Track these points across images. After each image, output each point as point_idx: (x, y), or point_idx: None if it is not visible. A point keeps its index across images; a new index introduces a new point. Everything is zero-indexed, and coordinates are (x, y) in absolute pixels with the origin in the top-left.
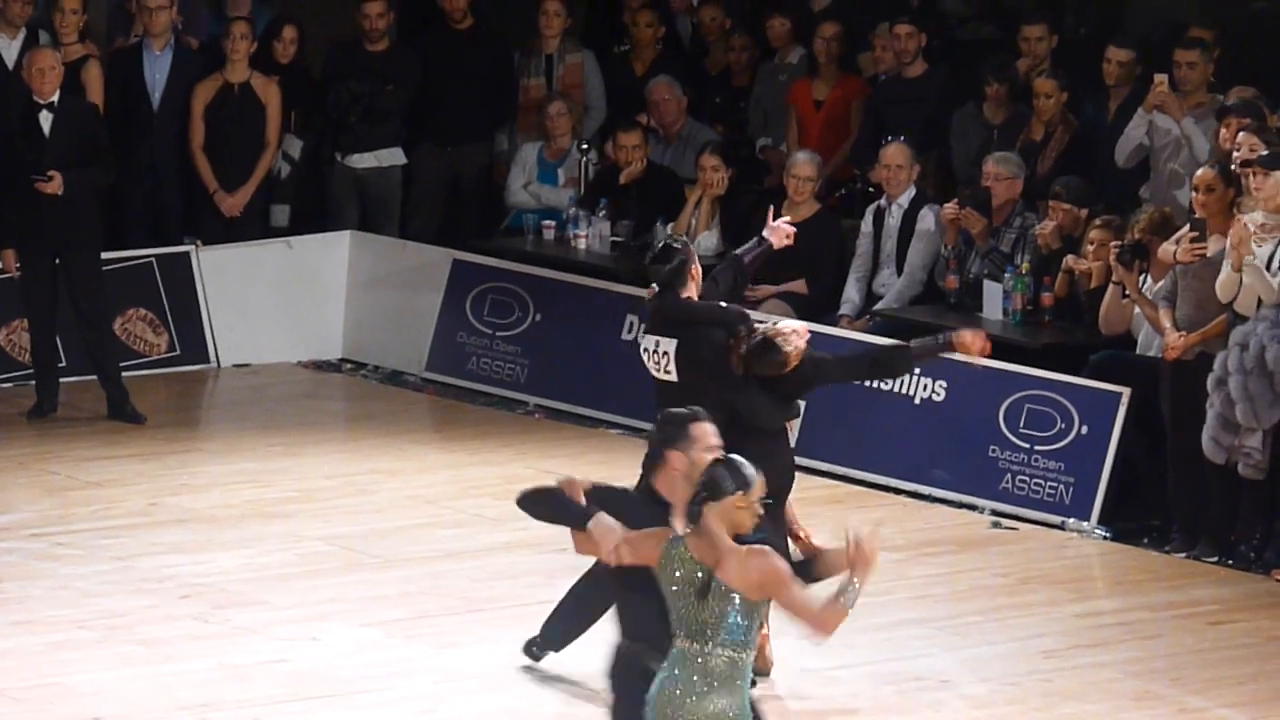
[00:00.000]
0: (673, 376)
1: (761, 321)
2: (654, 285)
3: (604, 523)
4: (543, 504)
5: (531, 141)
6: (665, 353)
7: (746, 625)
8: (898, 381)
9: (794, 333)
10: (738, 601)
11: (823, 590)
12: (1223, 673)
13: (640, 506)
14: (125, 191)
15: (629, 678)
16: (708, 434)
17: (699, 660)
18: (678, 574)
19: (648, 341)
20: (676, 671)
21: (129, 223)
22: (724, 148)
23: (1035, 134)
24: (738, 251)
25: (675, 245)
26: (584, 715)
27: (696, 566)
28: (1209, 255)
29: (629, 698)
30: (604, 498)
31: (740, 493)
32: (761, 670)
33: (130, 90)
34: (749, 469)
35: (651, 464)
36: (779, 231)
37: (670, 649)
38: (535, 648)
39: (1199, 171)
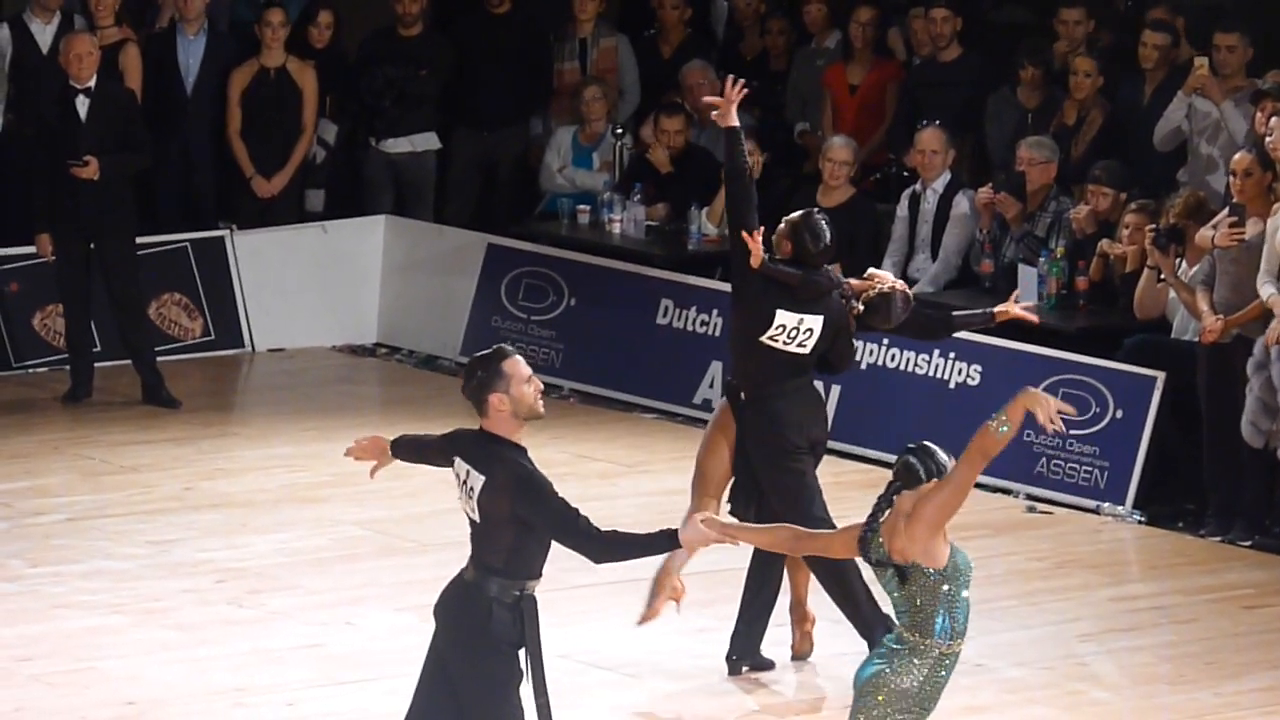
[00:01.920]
0: (805, 350)
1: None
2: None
3: (693, 527)
4: (623, 547)
5: (566, 126)
6: (810, 329)
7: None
8: (932, 365)
9: (894, 285)
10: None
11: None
12: (1258, 656)
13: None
14: (160, 176)
15: None
16: (519, 366)
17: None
18: (875, 561)
19: (788, 319)
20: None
21: (163, 207)
22: (757, 132)
23: (1069, 118)
24: (957, 313)
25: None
26: (619, 696)
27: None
28: (1247, 239)
29: None
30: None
31: (934, 480)
32: (801, 653)
33: (164, 75)
34: (941, 456)
35: (480, 411)
36: (1009, 314)
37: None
38: (734, 659)
39: (1237, 156)
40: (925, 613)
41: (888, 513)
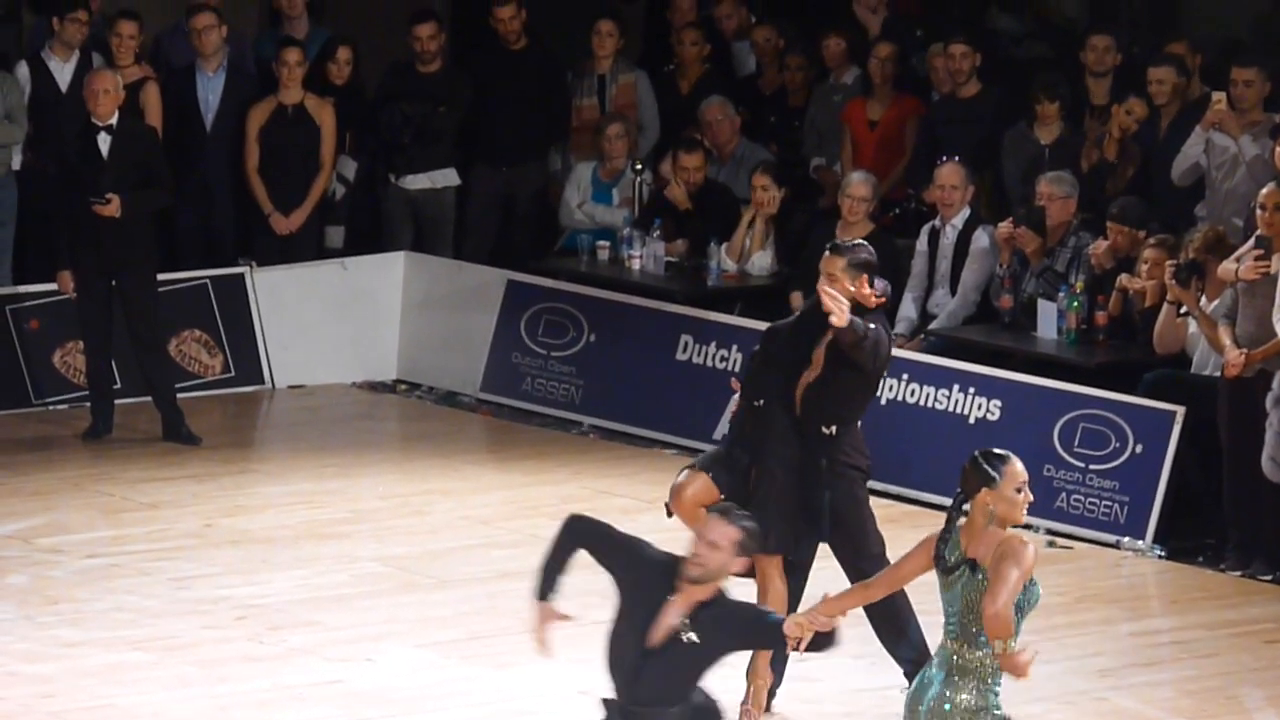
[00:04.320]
0: None
1: None
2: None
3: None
4: None
5: (585, 162)
6: None
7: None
8: (952, 401)
9: None
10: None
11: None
12: (1279, 690)
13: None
14: (179, 213)
15: None
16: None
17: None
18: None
19: None
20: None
21: (183, 244)
22: (775, 167)
23: (1110, 154)
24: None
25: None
26: None
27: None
28: (1274, 272)
29: None
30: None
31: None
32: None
33: (183, 112)
34: (998, 456)
35: None
36: None
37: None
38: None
39: (1264, 190)
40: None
41: (962, 520)
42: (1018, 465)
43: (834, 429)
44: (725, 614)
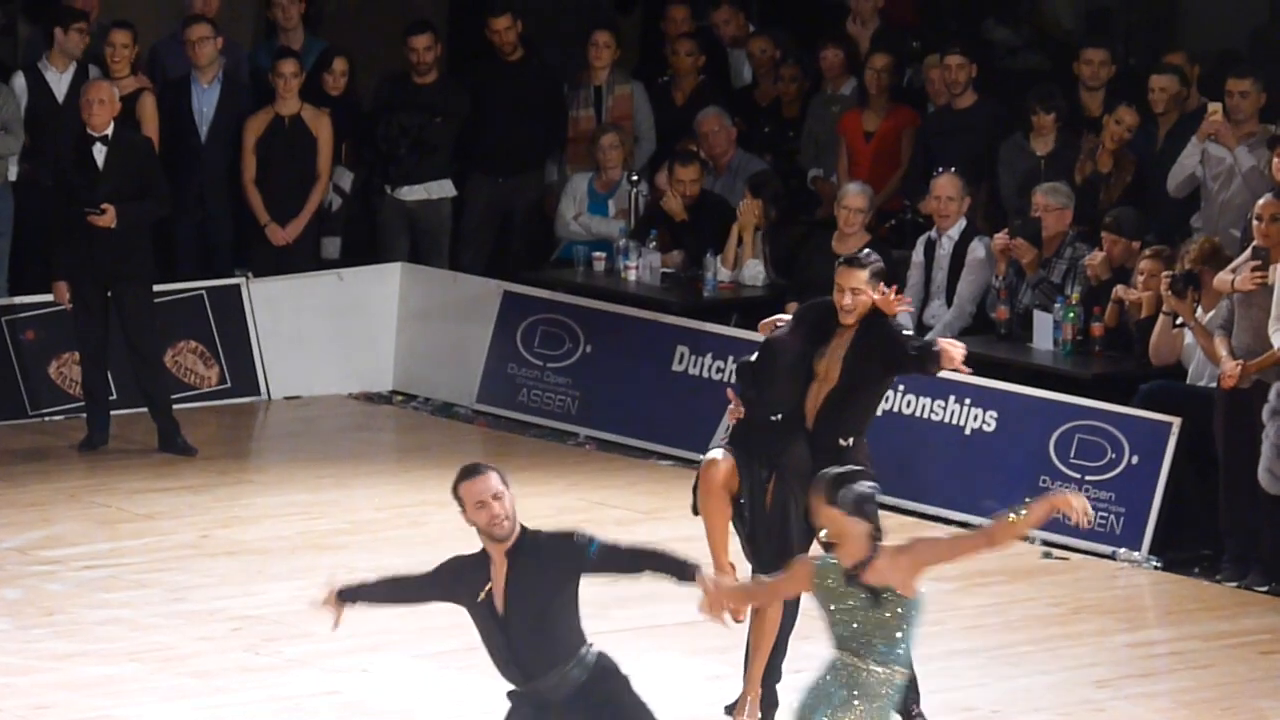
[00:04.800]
0: None
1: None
2: None
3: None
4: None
5: (581, 173)
6: None
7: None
8: (948, 412)
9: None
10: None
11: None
12: (1275, 702)
13: None
14: (175, 224)
15: None
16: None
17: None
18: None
19: None
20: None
21: (179, 255)
22: (760, 181)
23: (1103, 165)
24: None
25: None
26: None
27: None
28: (1270, 283)
29: None
30: None
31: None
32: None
33: (178, 123)
34: (857, 489)
35: None
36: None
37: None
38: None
39: (1262, 200)
40: (894, 638)
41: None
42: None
43: (850, 441)
44: (539, 546)
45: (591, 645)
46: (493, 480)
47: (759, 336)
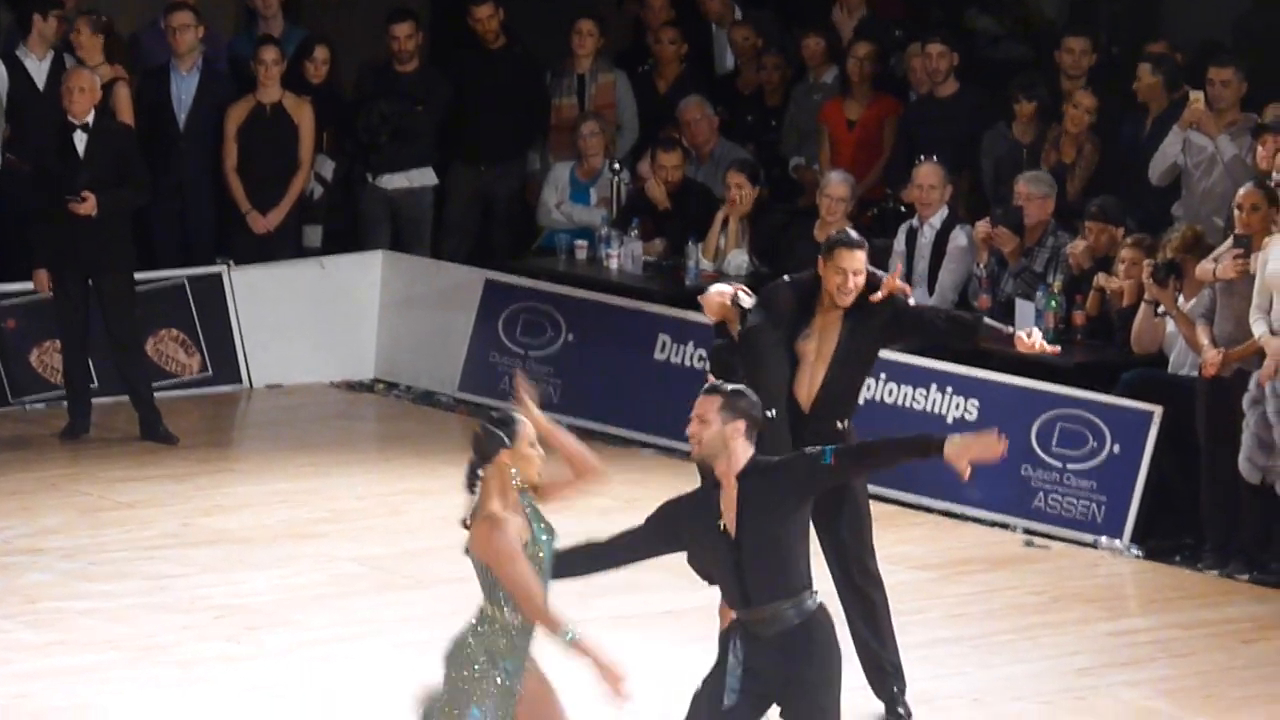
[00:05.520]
0: None
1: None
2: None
3: None
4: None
5: (564, 161)
6: None
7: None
8: (930, 400)
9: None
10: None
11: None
12: (1256, 690)
13: None
14: (154, 213)
15: None
16: None
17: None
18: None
19: None
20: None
21: (159, 244)
22: (750, 165)
23: (1066, 155)
24: (987, 320)
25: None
26: None
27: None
28: (1252, 272)
29: None
30: None
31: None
32: None
33: (157, 111)
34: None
35: None
36: (1033, 345)
37: None
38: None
39: (1243, 190)
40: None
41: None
42: (527, 421)
43: (846, 422)
44: (771, 469)
45: (816, 593)
46: (707, 401)
47: (709, 319)
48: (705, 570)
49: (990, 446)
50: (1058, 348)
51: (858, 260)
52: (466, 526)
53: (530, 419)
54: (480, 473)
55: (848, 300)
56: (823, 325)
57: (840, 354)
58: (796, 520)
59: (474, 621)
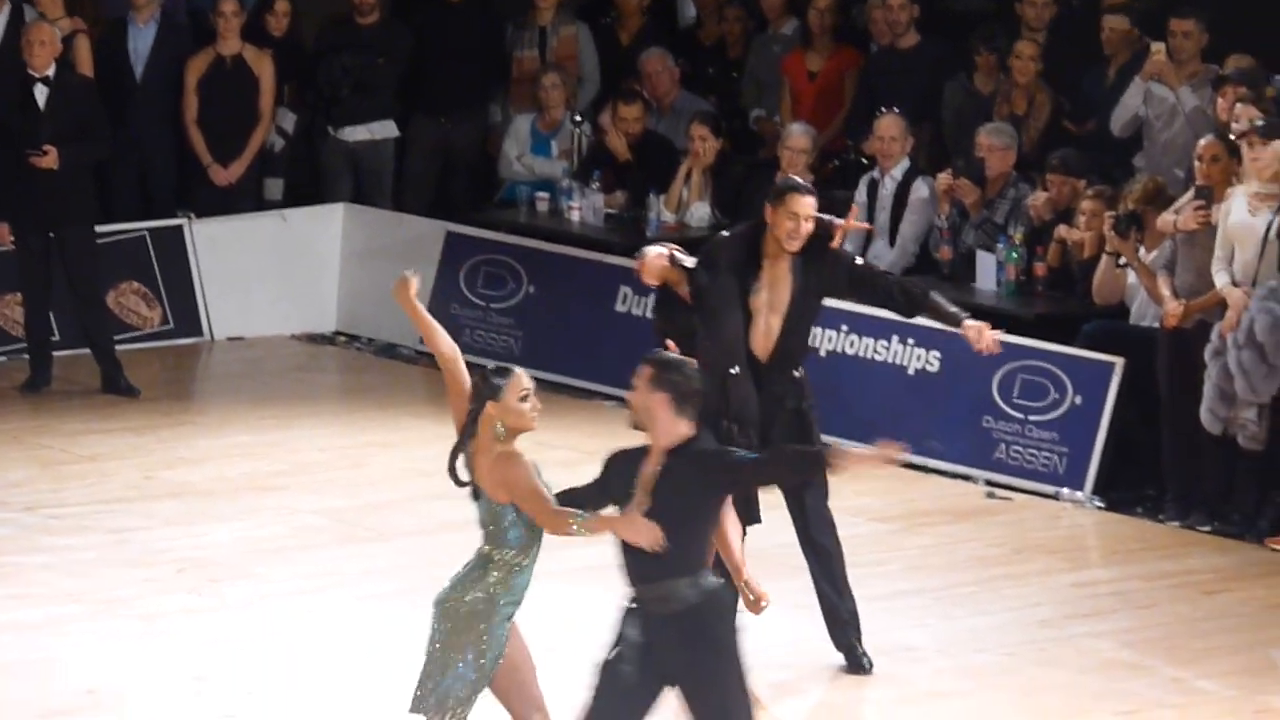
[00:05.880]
0: None
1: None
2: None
3: None
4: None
5: (525, 114)
6: None
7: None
8: (891, 352)
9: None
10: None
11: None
12: (1217, 641)
13: None
14: (112, 166)
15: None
16: None
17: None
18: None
19: None
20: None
21: (119, 196)
22: (712, 117)
23: (1019, 107)
24: (935, 295)
25: None
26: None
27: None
28: (1213, 223)
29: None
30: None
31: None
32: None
33: (113, 64)
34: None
35: None
36: (982, 348)
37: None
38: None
39: (1204, 141)
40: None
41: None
42: (523, 376)
43: (801, 370)
44: (699, 456)
45: (713, 574)
46: (637, 370)
47: (652, 282)
48: None
49: (882, 463)
50: (1000, 349)
51: (807, 206)
52: (455, 477)
53: (406, 308)
54: (478, 421)
55: (795, 246)
56: (772, 276)
57: (795, 304)
58: (708, 508)
59: (472, 564)
